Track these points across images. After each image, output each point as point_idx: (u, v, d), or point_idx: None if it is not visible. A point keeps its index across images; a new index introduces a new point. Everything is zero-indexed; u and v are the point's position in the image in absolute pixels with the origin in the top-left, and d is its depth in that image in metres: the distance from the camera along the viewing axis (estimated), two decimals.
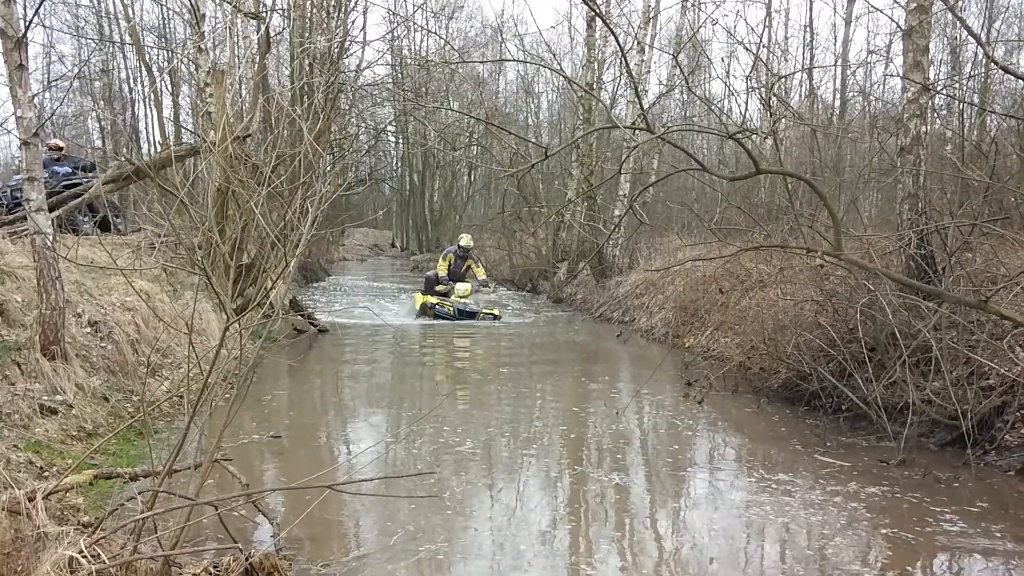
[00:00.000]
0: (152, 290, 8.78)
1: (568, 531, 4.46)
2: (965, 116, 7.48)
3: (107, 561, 2.89)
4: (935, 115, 7.54)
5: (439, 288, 14.78)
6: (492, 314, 14.25)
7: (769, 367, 8.23)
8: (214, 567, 3.52)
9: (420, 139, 32.70)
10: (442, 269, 15.09)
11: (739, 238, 7.94)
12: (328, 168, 15.56)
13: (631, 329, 12.98)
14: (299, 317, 12.02)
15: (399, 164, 42.04)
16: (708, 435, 6.90)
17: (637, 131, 8.52)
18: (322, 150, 12.05)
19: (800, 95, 16.57)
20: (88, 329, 6.84)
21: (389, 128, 32.79)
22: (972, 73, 10.69)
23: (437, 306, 14.21)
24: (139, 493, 3.18)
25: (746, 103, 18.87)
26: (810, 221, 6.42)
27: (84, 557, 2.84)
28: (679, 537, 4.52)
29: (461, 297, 14.44)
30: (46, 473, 4.51)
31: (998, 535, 4.50)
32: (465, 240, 15.49)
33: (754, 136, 5.58)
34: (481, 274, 15.26)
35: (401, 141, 37.68)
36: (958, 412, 6.08)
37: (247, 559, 3.51)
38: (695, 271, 11.86)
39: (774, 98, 7.01)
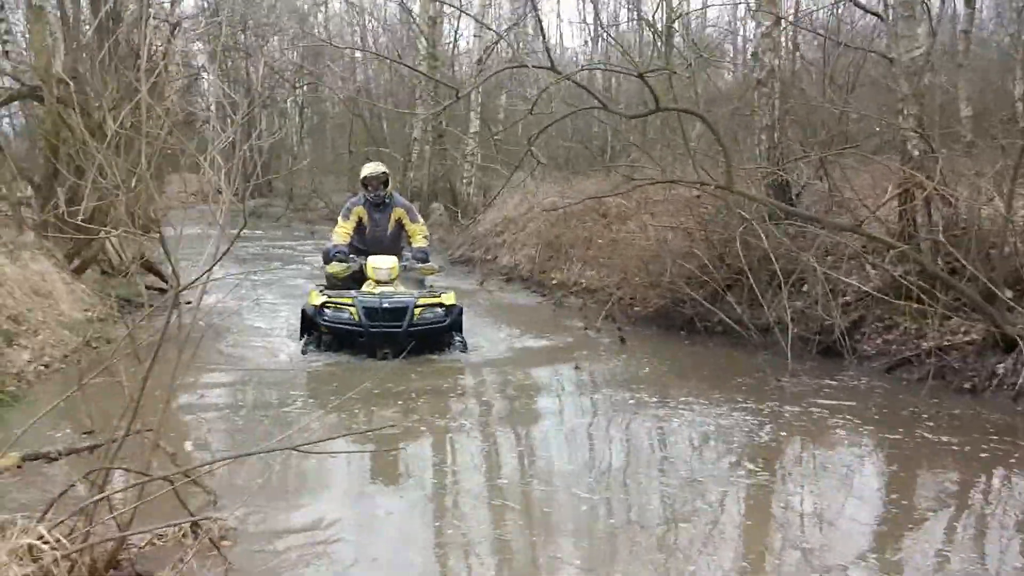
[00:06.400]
0: None
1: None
2: (823, 48, 8.00)
3: (69, 546, 2.70)
4: (794, 47, 8.04)
5: (334, 268, 7.54)
6: (439, 304, 7.28)
7: (640, 296, 8.62)
8: (159, 537, 3.37)
9: (242, 76, 30.96)
10: (341, 235, 7.81)
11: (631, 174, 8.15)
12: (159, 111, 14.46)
13: (493, 268, 13.11)
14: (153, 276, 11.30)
15: (221, 106, 39.65)
16: (598, 368, 7.10)
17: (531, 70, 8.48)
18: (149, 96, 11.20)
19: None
20: None
21: (204, 67, 30.74)
22: (823, 5, 11.14)
23: (327, 310, 7.20)
24: (88, 474, 2.96)
25: (652, 39, 18.98)
26: (698, 156, 6.69)
27: (47, 544, 2.64)
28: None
29: (380, 282, 7.42)
30: None
31: (858, 424, 5.21)
32: (371, 168, 7.97)
33: (656, 74, 5.71)
34: (420, 239, 7.96)
35: (223, 80, 35.53)
36: (821, 327, 6.74)
37: (192, 528, 3.39)
38: (554, 208, 12.10)
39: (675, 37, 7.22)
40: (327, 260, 7.74)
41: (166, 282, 11.37)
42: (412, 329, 7.00)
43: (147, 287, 11.23)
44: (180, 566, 3.06)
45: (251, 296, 9.61)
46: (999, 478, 4.49)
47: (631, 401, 5.82)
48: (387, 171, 8.07)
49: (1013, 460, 4.59)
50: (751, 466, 4.51)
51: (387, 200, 7.92)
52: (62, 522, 2.75)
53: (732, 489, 4.23)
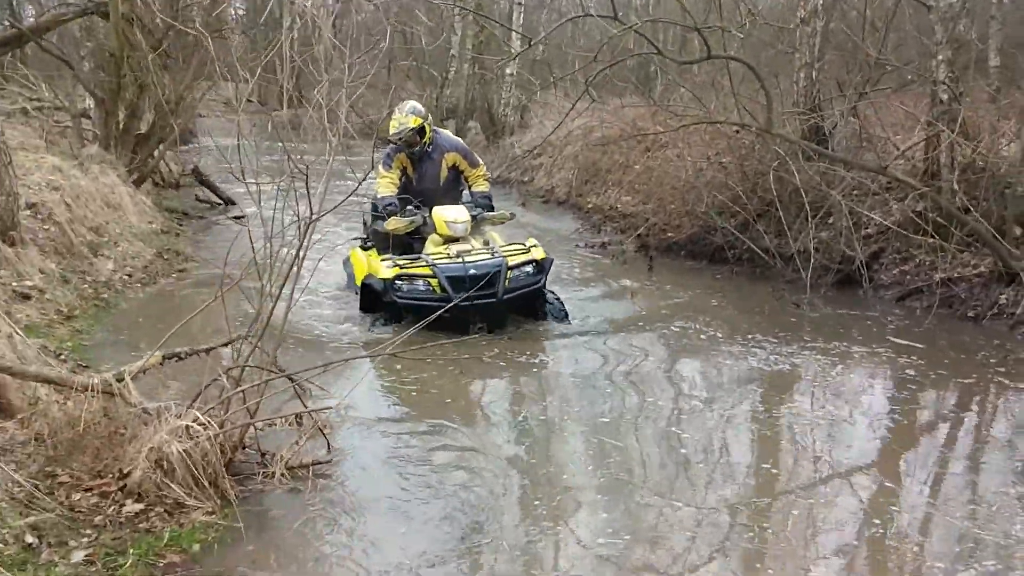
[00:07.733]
0: (63, 166, 8.54)
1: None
2: None
3: (217, 428, 3.34)
4: None
5: (394, 225, 6.26)
6: (531, 260, 6.10)
7: (674, 224, 9.06)
8: (270, 424, 4.06)
9: None
10: (386, 187, 6.52)
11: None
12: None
13: (530, 190, 13.56)
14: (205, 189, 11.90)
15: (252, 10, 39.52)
16: (638, 293, 7.54)
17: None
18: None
19: None
20: (28, 212, 6.75)
21: None
22: None
23: (403, 283, 5.90)
24: (228, 370, 3.59)
25: None
26: (741, 97, 7.00)
27: (201, 425, 3.28)
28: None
29: (452, 239, 6.24)
30: (61, 356, 4.76)
31: (874, 347, 5.80)
32: (395, 126, 6.33)
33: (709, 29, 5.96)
34: (482, 182, 6.74)
35: None
36: (842, 258, 7.23)
37: (296, 417, 4.05)
38: (592, 133, 12.45)
39: None
40: (378, 214, 6.45)
41: (218, 195, 11.99)
42: (507, 296, 5.84)
43: (199, 200, 11.93)
44: (295, 447, 3.73)
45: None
46: None
47: (697, 334, 6.18)
48: (418, 119, 6.35)
49: None
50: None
51: (429, 148, 6.54)
52: (209, 409, 3.38)
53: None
